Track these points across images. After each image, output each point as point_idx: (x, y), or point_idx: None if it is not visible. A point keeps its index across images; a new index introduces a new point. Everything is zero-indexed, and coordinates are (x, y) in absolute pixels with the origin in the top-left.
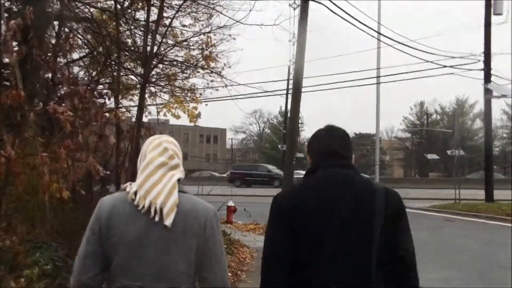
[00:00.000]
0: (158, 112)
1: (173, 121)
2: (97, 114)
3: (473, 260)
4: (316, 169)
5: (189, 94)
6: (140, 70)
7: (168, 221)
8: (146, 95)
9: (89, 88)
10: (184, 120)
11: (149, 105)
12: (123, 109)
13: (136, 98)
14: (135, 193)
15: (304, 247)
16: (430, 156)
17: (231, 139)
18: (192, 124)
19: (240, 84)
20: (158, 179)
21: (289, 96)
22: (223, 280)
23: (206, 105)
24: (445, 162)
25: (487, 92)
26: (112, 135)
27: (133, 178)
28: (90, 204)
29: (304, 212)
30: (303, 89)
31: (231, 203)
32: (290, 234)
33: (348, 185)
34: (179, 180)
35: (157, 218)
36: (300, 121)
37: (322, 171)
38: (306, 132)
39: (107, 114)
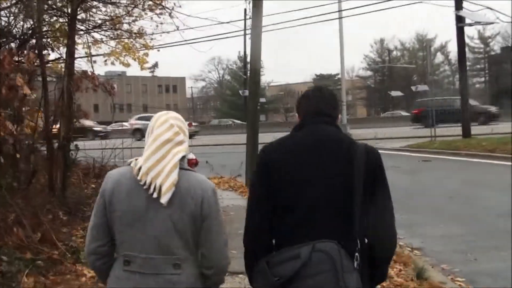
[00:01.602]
0: (105, 61)
1: (130, 72)
2: (4, 60)
3: (468, 207)
4: (303, 126)
5: (137, 40)
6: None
7: (164, 199)
8: (90, 43)
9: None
10: (142, 71)
11: (95, 55)
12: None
13: (81, 47)
14: (140, 169)
15: (287, 200)
16: (394, 93)
17: (191, 87)
18: (150, 74)
19: (192, 28)
20: (162, 156)
21: (248, 37)
22: (219, 258)
23: (158, 50)
24: (408, 99)
25: (459, 20)
26: (26, 85)
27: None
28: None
29: (287, 165)
30: (263, 28)
31: (191, 156)
32: (274, 187)
33: (330, 141)
34: (183, 157)
35: (155, 195)
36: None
37: (307, 128)
38: (267, 77)
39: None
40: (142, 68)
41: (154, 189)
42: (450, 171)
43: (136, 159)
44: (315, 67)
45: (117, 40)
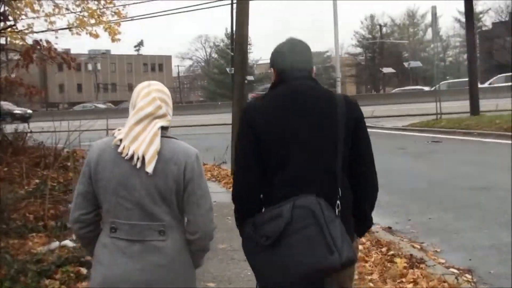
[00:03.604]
0: (70, 29)
1: (114, 50)
2: None
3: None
4: (279, 83)
5: (107, 7)
6: None
7: (149, 168)
8: (51, 9)
9: None
10: (127, 49)
11: (61, 29)
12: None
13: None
14: (121, 140)
15: (272, 156)
16: (386, 69)
17: (178, 66)
18: (135, 53)
19: None
20: (142, 128)
21: (234, 12)
22: (204, 223)
23: (132, 19)
24: (398, 75)
25: None
26: None
27: None
28: None
29: (269, 124)
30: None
31: None
32: (259, 144)
33: (309, 95)
34: (164, 127)
35: (139, 165)
36: (248, 42)
37: (284, 84)
38: (255, 54)
39: None
40: (113, 40)
41: (137, 159)
42: (466, 153)
43: (119, 129)
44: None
45: (82, 6)
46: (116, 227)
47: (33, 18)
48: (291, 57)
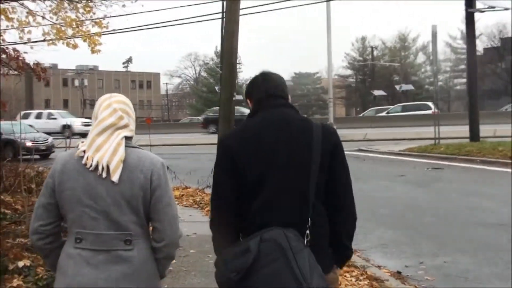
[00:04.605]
0: (44, 39)
1: (103, 66)
2: None
3: None
4: (256, 112)
5: (85, 15)
6: None
7: (115, 177)
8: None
9: None
10: (115, 65)
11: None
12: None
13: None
14: (84, 151)
15: (247, 186)
16: (377, 92)
17: (166, 84)
18: (123, 69)
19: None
20: (105, 140)
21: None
22: (171, 230)
23: (114, 31)
24: (389, 98)
25: (469, 5)
26: None
27: None
28: None
29: (246, 152)
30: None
31: None
32: (235, 175)
33: (286, 123)
34: (128, 138)
35: (104, 175)
36: (238, 61)
37: (261, 113)
38: (245, 74)
39: None
40: (93, 51)
41: (102, 169)
42: (471, 182)
43: (83, 142)
44: (294, 65)
45: (58, 15)
46: (81, 237)
47: (6, 27)
48: (266, 86)
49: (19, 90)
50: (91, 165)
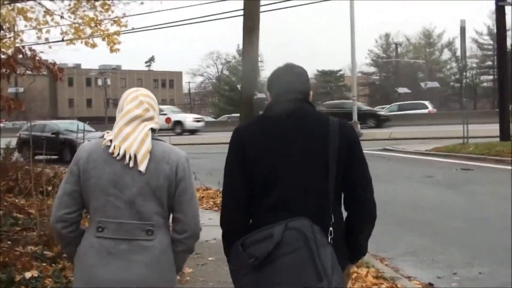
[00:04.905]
0: (62, 39)
1: (125, 66)
2: None
3: None
4: (275, 104)
5: (103, 13)
6: None
7: (142, 167)
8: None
9: None
10: (137, 65)
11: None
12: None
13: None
14: (111, 141)
15: (261, 179)
16: (401, 89)
17: (189, 82)
18: (146, 68)
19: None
20: (132, 130)
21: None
22: (194, 222)
23: (133, 28)
24: (414, 95)
25: None
26: None
27: None
28: None
29: (258, 144)
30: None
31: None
32: (247, 168)
33: (302, 117)
34: (153, 130)
35: (131, 164)
36: (260, 59)
37: (279, 106)
38: (267, 72)
39: None
40: (112, 50)
41: (130, 158)
42: (505, 185)
43: (108, 132)
44: (317, 63)
45: (76, 14)
46: (104, 226)
47: (25, 27)
48: (286, 80)
49: (44, 90)
50: (118, 154)
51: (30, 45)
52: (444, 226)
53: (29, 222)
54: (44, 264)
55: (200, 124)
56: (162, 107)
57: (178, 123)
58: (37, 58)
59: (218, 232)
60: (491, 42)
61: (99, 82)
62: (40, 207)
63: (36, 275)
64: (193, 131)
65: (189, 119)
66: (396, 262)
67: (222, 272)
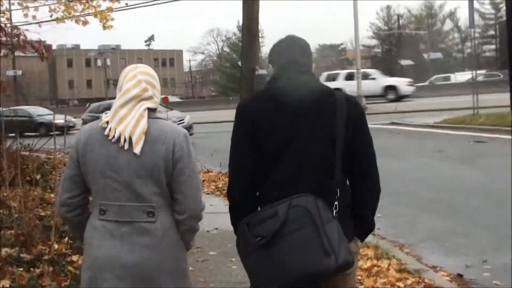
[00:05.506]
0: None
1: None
2: None
3: None
4: (278, 77)
5: None
6: None
7: (137, 149)
8: None
9: None
10: (137, 44)
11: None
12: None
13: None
14: (107, 123)
15: (266, 154)
16: (404, 62)
17: (189, 61)
18: (146, 47)
19: None
20: (128, 110)
21: None
22: (194, 202)
23: (127, 4)
24: (417, 67)
25: None
26: None
27: None
28: None
29: (266, 117)
30: None
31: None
32: (254, 140)
33: (309, 90)
34: (152, 109)
35: (126, 146)
36: (260, 35)
37: (283, 78)
38: (268, 48)
39: None
40: (104, 27)
41: (124, 140)
42: None
43: (106, 113)
44: (317, 37)
45: None
46: (105, 209)
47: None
48: (290, 52)
49: (43, 72)
50: (113, 137)
51: (18, 24)
52: (463, 205)
53: (7, 219)
54: (20, 269)
55: (413, 88)
56: (369, 70)
57: (391, 88)
58: (21, 37)
59: (220, 221)
60: (493, 11)
61: (99, 62)
62: (24, 199)
63: (8, 285)
64: (405, 97)
65: (404, 82)
66: (417, 249)
67: (225, 271)
